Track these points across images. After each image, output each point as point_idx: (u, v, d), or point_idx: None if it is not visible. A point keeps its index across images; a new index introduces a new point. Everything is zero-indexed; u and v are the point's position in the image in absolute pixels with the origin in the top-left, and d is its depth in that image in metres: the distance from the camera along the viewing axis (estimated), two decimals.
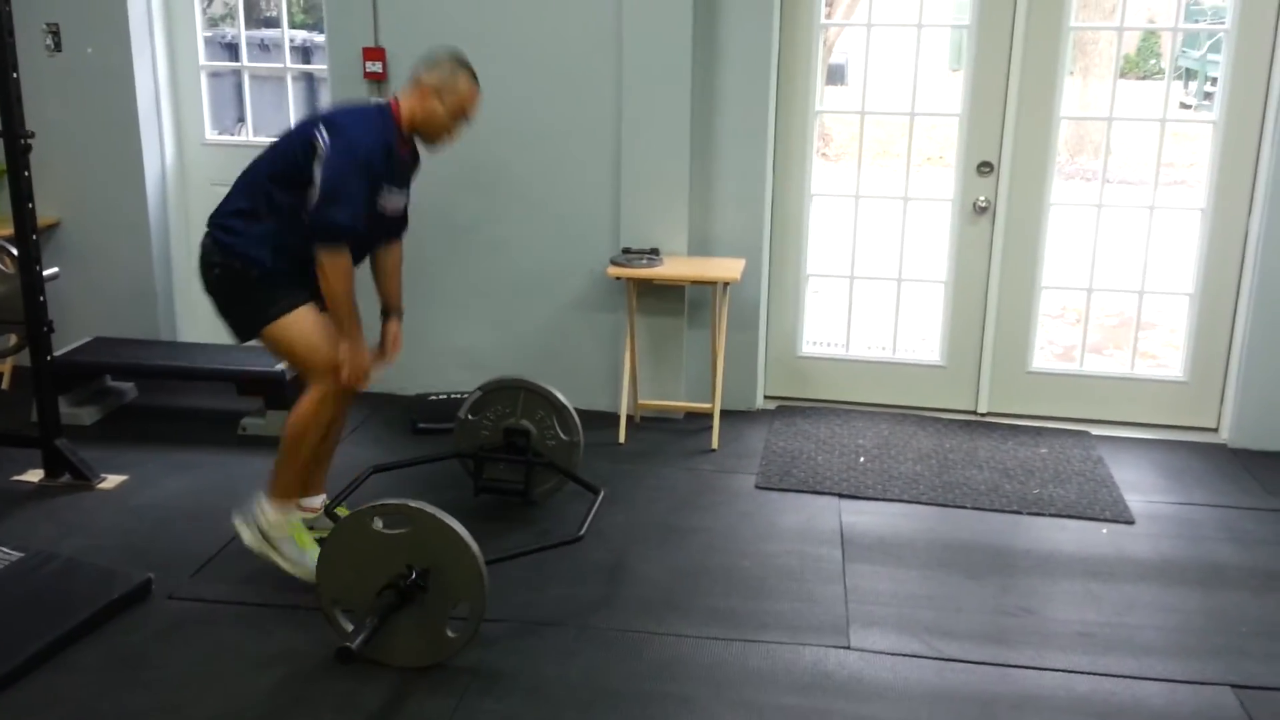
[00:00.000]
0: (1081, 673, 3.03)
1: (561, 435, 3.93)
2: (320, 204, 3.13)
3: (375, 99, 3.40)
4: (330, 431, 3.48)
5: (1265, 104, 4.49)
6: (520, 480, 3.94)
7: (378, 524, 2.92)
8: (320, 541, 3.14)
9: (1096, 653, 3.13)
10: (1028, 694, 2.93)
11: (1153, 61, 13.32)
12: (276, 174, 3.23)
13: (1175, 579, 3.57)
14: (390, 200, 3.33)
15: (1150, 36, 12.66)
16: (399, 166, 3.36)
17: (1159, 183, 4.74)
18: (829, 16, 8.88)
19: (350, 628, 2.89)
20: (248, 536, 3.38)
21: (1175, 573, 3.61)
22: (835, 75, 12.37)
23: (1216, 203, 4.64)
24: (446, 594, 2.93)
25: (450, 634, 2.95)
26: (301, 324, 3.25)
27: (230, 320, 3.34)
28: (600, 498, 3.68)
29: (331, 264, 3.16)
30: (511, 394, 3.94)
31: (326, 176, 3.13)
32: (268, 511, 3.36)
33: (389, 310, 3.61)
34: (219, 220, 3.29)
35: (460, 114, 3.38)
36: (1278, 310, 4.53)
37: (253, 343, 3.41)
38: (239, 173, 3.33)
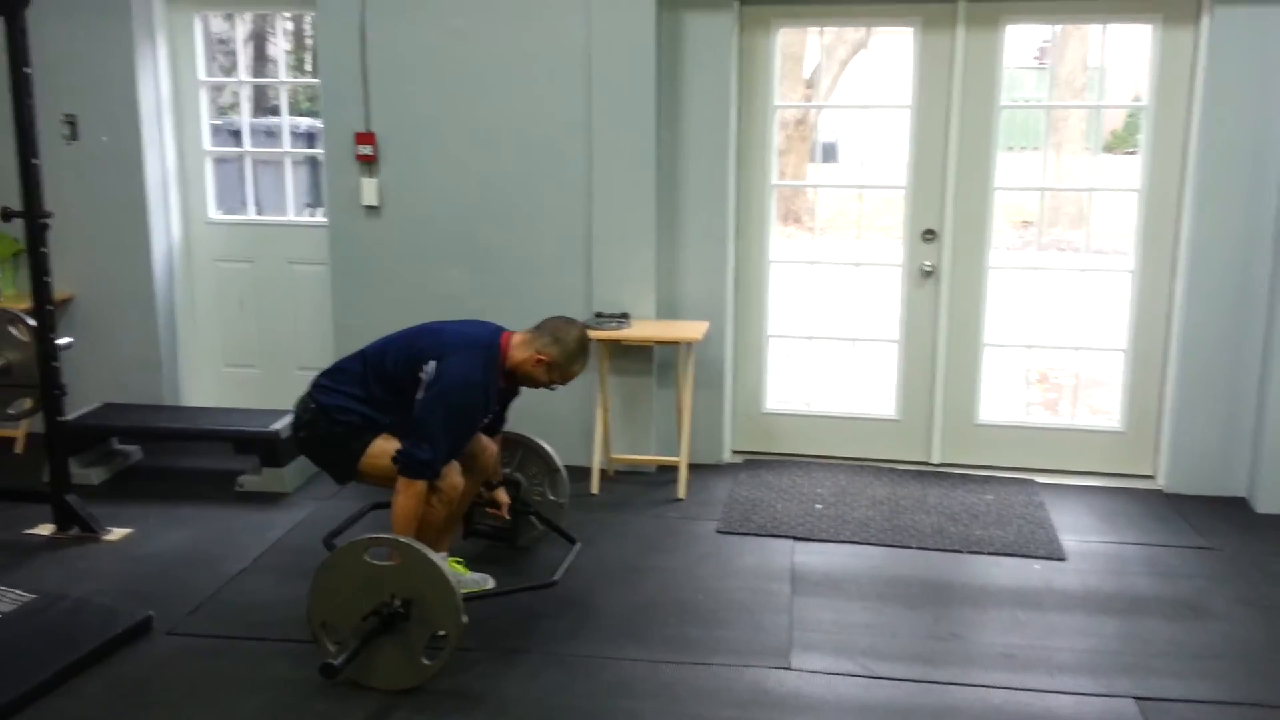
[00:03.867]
0: (999, 688, 3.31)
1: (550, 495, 4.24)
2: (412, 440, 3.46)
3: (490, 326, 3.73)
4: (456, 506, 3.74)
5: (1183, 174, 4.87)
6: (508, 526, 4.25)
7: (369, 556, 3.24)
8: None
9: (1015, 671, 3.42)
10: (947, 705, 3.22)
11: (1137, 137, 13.82)
12: (385, 378, 3.60)
13: (1097, 608, 3.86)
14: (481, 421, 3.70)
15: (1135, 114, 13.21)
16: (494, 399, 3.68)
17: (1091, 249, 5.12)
18: (807, 98, 9.36)
19: (334, 650, 3.20)
20: None
21: (1098, 603, 3.90)
22: (827, 153, 12.90)
23: (1143, 265, 5.01)
24: (426, 623, 3.23)
25: (426, 661, 3.25)
26: (385, 449, 3.54)
27: (327, 470, 3.73)
28: (577, 548, 4.01)
29: (407, 492, 3.46)
30: (513, 446, 4.25)
31: (421, 417, 3.47)
32: None
33: (490, 483, 3.97)
34: (330, 388, 3.64)
35: (557, 383, 3.72)
36: (1202, 363, 4.87)
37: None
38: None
